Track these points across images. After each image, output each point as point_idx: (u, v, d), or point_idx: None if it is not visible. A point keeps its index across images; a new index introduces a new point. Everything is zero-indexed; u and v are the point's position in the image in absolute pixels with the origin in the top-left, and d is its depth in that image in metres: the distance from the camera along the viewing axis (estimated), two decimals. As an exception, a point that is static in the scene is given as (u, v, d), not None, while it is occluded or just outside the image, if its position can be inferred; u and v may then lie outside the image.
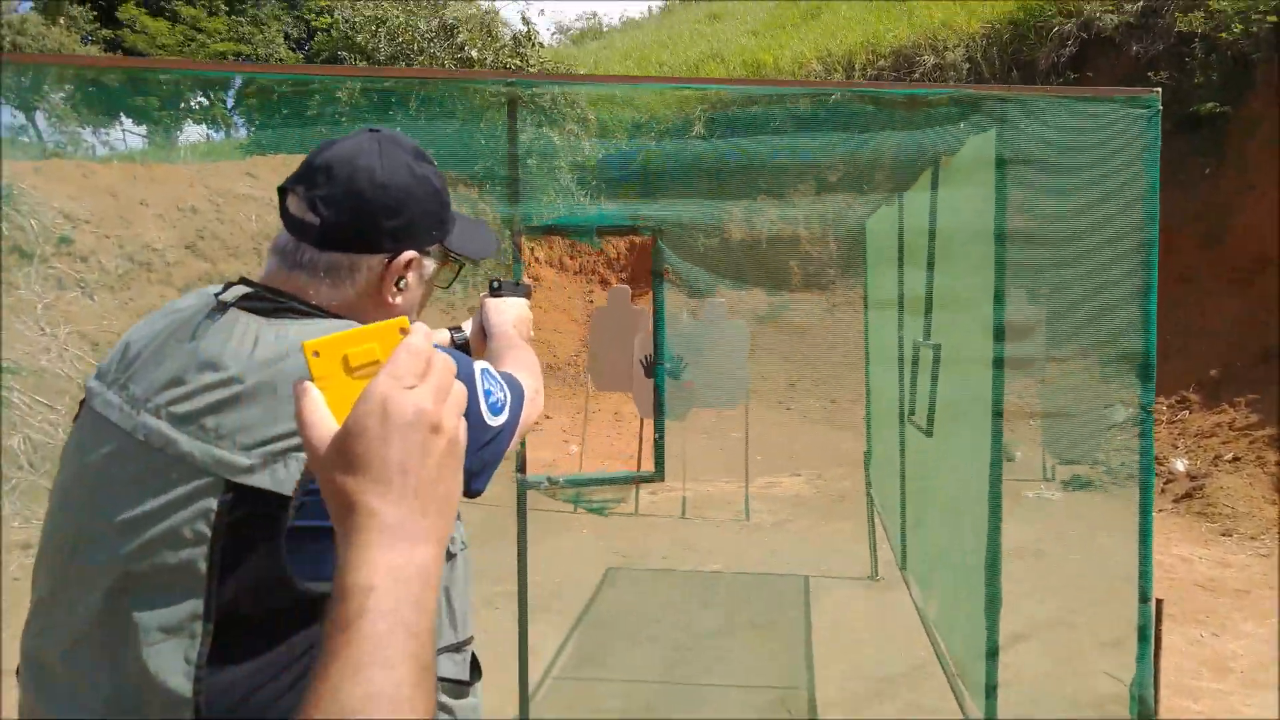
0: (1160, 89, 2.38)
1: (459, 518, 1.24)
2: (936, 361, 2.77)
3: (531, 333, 1.71)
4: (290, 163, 11.72)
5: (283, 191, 1.15)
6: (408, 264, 1.16)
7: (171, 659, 0.95)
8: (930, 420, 2.83)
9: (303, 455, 0.97)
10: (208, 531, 0.96)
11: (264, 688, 0.96)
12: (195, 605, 0.95)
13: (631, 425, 7.05)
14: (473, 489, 1.18)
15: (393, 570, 0.59)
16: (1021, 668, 3.81)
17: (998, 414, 2.22)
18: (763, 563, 5.65)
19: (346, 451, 0.60)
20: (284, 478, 0.96)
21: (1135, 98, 2.28)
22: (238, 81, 20.03)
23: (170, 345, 1.06)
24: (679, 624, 4.66)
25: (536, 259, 12.49)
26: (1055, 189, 2.60)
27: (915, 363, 3.13)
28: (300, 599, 0.96)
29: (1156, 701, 2.26)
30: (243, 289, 1.09)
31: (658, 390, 2.27)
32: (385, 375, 0.61)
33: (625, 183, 12.92)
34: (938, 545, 3.06)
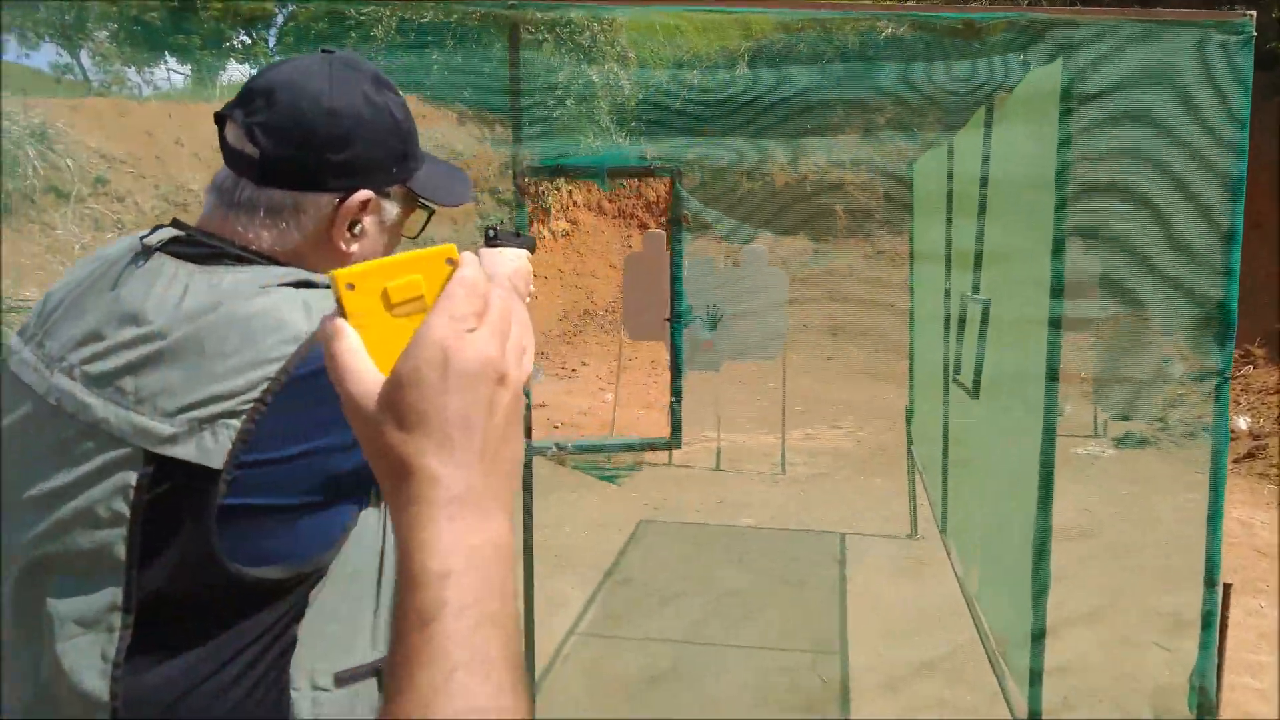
0: (1254, 13, 2.10)
1: None
2: (985, 319, 2.55)
3: (531, 288, 1.54)
4: (325, 102, 11.61)
5: (220, 119, 0.98)
6: (363, 206, 1.00)
7: (88, 655, 0.83)
8: (976, 382, 2.61)
9: (234, 423, 0.83)
10: (126, 510, 0.83)
11: (206, 682, 0.84)
12: (114, 594, 0.83)
13: (668, 374, 6.91)
14: None
15: (469, 550, 0.51)
16: (1067, 649, 3.62)
17: (1052, 379, 2.01)
18: (797, 518, 5.51)
19: (399, 405, 0.51)
20: (211, 448, 0.82)
21: (1225, 23, 2.00)
22: (279, 19, 19.90)
23: (90, 296, 0.92)
24: (709, 580, 4.55)
25: (575, 202, 12.26)
26: (1124, 128, 2.33)
27: (962, 319, 2.91)
28: (239, 585, 0.84)
29: (1219, 694, 2.07)
30: (171, 232, 0.95)
31: (674, 350, 2.09)
32: (442, 316, 0.52)
33: (666, 122, 12.58)
34: (981, 515, 2.87)
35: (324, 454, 0.84)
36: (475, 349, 0.51)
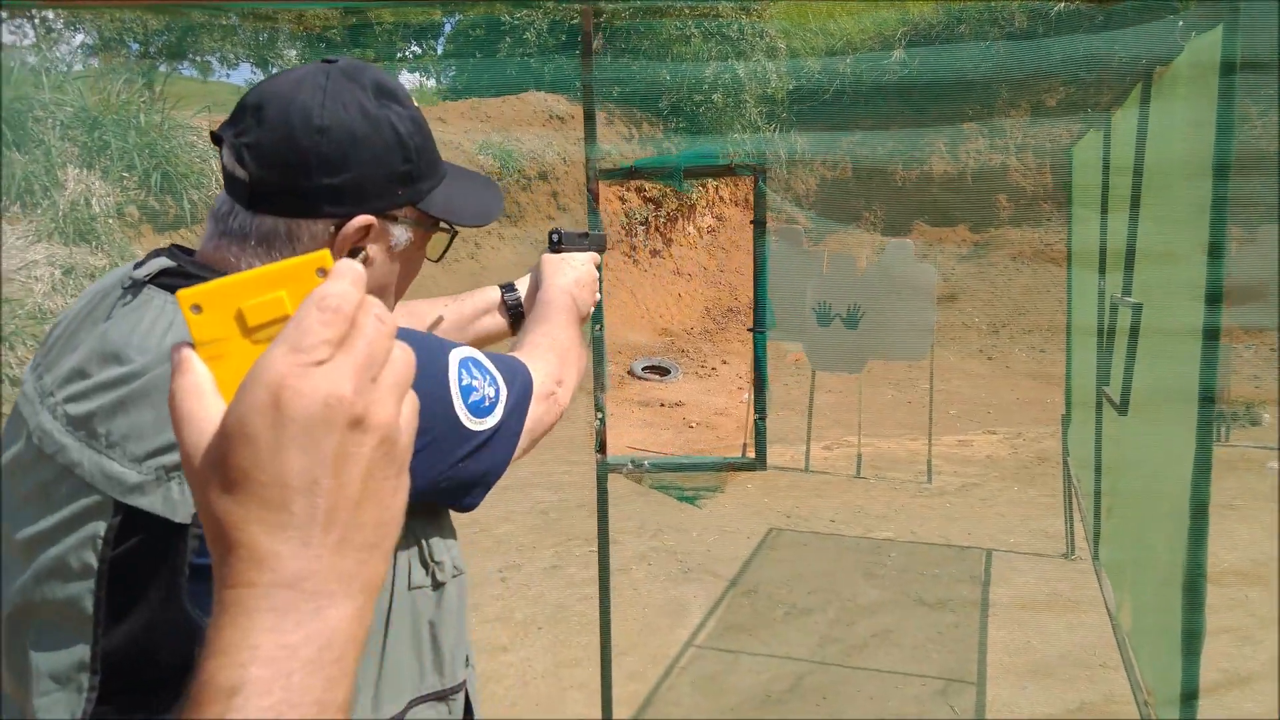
0: None
1: (451, 534, 1.00)
2: (1136, 325, 2.23)
3: (596, 297, 1.41)
4: (479, 107, 11.82)
5: (217, 139, 0.92)
6: (363, 232, 0.92)
7: (59, 715, 0.80)
8: (1125, 396, 2.30)
9: None
10: (94, 563, 0.79)
11: None
12: (83, 652, 0.80)
13: (810, 374, 6.66)
14: (464, 504, 0.95)
15: (280, 654, 0.39)
16: (1250, 709, 3.17)
17: (1207, 400, 1.71)
18: (941, 531, 5.16)
19: (224, 462, 0.41)
20: (177, 500, 0.78)
21: None
22: (447, 28, 20.85)
23: (83, 329, 0.89)
24: (838, 595, 4.32)
25: (720, 197, 12.10)
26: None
27: (1113, 324, 2.58)
28: None
29: None
30: (163, 263, 0.90)
31: (757, 362, 1.93)
32: (282, 345, 0.41)
33: (817, 113, 12.22)
34: (1132, 545, 2.54)
35: None
36: (316, 387, 0.40)
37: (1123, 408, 2.34)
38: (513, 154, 10.21)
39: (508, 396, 0.97)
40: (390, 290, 1.02)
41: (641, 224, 11.04)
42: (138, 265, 0.90)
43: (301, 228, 0.90)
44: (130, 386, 0.80)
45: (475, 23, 14.69)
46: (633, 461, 1.79)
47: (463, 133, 10.02)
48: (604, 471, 1.75)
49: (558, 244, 1.41)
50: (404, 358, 0.44)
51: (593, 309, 1.40)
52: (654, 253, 10.92)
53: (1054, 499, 5.14)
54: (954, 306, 10.73)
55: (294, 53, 20.22)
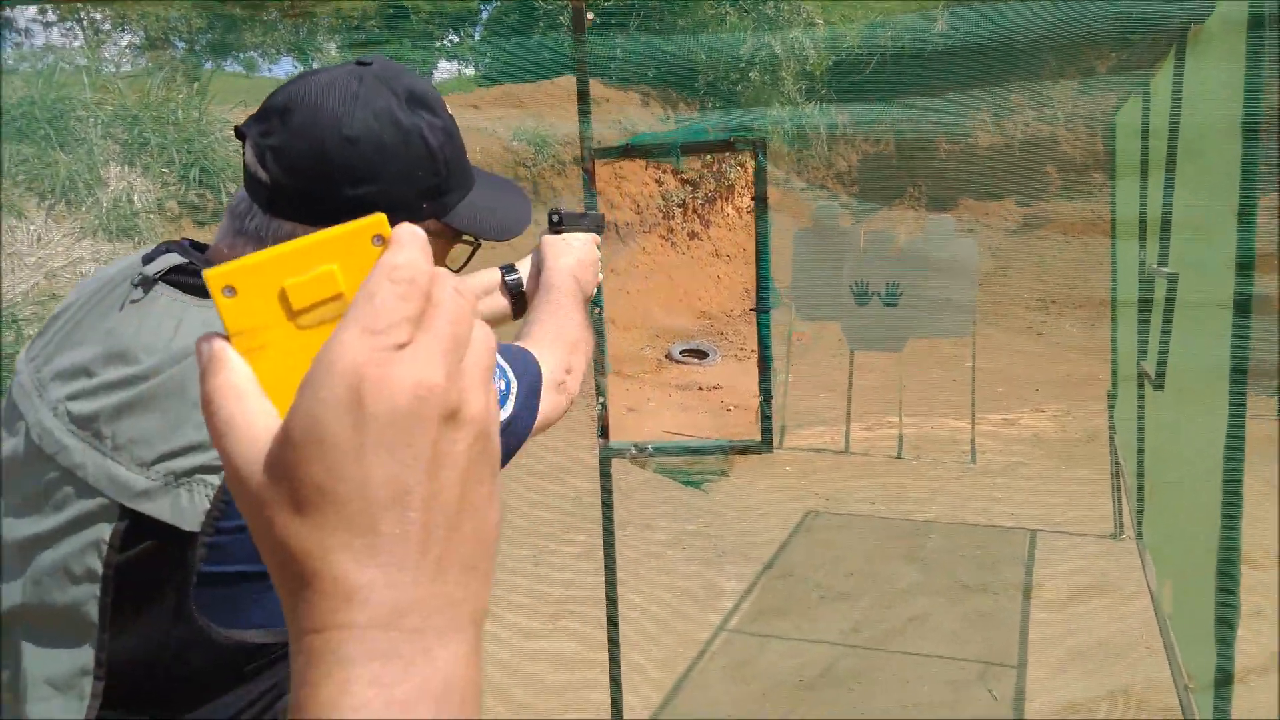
0: None
1: None
2: (1171, 296, 2.14)
3: (599, 277, 1.37)
4: (513, 93, 11.77)
5: (241, 134, 0.89)
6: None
7: None
8: (1160, 369, 2.20)
9: (212, 480, 0.75)
10: (99, 568, 0.77)
11: None
12: (85, 658, 0.78)
13: (845, 355, 6.56)
14: None
15: (394, 709, 0.31)
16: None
17: (1239, 374, 1.63)
18: (984, 513, 5.05)
19: (293, 476, 0.33)
20: (186, 508, 0.75)
21: None
22: (484, 15, 20.89)
23: (86, 325, 0.86)
24: (876, 578, 4.26)
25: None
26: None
27: (1150, 294, 2.47)
28: (221, 652, 0.77)
29: None
30: (174, 259, 0.86)
31: (762, 343, 1.89)
32: (353, 327, 0.33)
33: (858, 89, 12.00)
34: (1172, 525, 2.45)
35: None
36: (404, 375, 0.32)
37: (1158, 382, 2.24)
38: (546, 139, 10.19)
39: (520, 388, 0.94)
40: None
41: (679, 206, 10.96)
42: (147, 258, 0.87)
43: None
44: (137, 389, 0.78)
45: (509, 8, 14.69)
46: (635, 446, 1.76)
47: (496, 119, 10.03)
48: (607, 457, 1.71)
49: (558, 224, 1.37)
50: (484, 338, 0.36)
51: (595, 290, 1.36)
52: (692, 235, 10.84)
53: (1103, 478, 5.00)
54: (1002, 282, 10.49)
55: (333, 45, 20.49)
